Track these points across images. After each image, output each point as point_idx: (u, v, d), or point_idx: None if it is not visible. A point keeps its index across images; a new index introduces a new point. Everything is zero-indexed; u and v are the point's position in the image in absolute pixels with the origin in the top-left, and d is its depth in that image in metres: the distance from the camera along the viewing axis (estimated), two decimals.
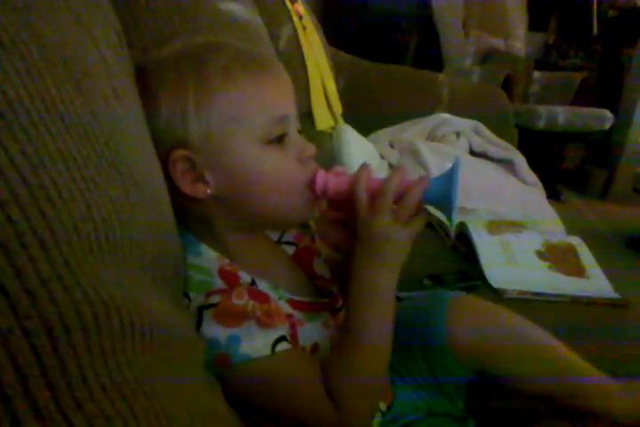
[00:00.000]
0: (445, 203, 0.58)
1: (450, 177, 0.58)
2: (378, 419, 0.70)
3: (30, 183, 0.32)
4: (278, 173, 0.59)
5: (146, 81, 0.57)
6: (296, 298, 0.63)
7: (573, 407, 0.74)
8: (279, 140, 0.59)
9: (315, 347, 0.63)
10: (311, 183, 0.61)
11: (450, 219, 0.59)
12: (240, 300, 0.55)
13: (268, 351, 0.54)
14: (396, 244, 0.59)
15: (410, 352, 0.77)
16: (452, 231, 1.26)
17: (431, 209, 0.64)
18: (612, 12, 3.30)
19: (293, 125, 0.62)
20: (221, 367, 0.53)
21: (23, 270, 0.30)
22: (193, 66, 0.57)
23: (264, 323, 0.55)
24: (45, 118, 0.35)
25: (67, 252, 0.33)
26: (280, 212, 0.62)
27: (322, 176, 0.61)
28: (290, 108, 0.62)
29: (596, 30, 3.40)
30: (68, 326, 0.31)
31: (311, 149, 0.62)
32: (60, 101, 0.38)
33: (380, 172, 1.56)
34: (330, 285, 0.72)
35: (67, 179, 0.35)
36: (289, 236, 0.73)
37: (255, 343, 0.54)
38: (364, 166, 0.61)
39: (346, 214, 0.64)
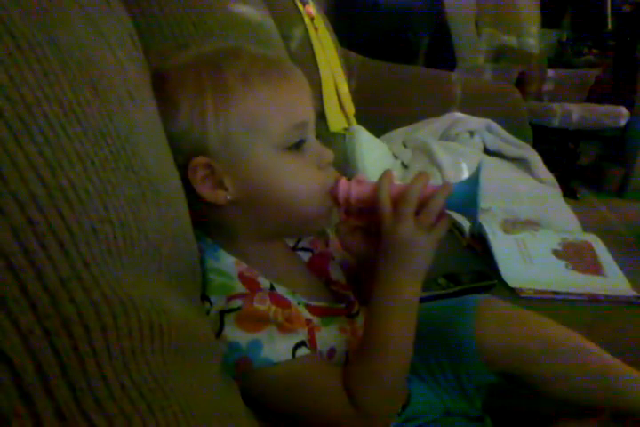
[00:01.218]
0: (469, 209, 0.58)
1: (474, 183, 0.58)
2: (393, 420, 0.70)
3: (49, 185, 0.32)
4: (297, 179, 0.59)
5: (164, 87, 0.57)
6: (312, 303, 0.63)
7: (601, 407, 0.73)
8: (297, 146, 0.59)
9: (331, 351, 0.63)
10: (332, 191, 0.61)
11: (473, 223, 0.59)
12: (262, 304, 0.55)
13: (289, 356, 0.54)
14: (420, 250, 0.59)
15: (435, 354, 0.77)
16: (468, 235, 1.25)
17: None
18: (626, 8, 3.27)
19: (312, 131, 0.62)
20: (243, 371, 0.53)
21: (43, 271, 0.31)
22: (211, 72, 0.57)
23: (285, 328, 0.55)
24: (63, 121, 0.36)
25: (85, 253, 0.33)
26: (299, 218, 0.62)
27: (344, 184, 0.61)
28: (308, 114, 0.61)
29: (610, 26, 3.37)
30: (87, 326, 0.32)
31: (330, 155, 0.62)
32: (77, 104, 0.38)
33: (393, 172, 1.56)
34: (346, 290, 0.71)
35: (84, 180, 0.36)
36: (305, 242, 0.73)
37: (277, 348, 0.54)
38: (388, 173, 0.61)
39: (366, 222, 0.64)
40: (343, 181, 0.61)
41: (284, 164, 0.59)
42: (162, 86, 0.57)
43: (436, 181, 1.45)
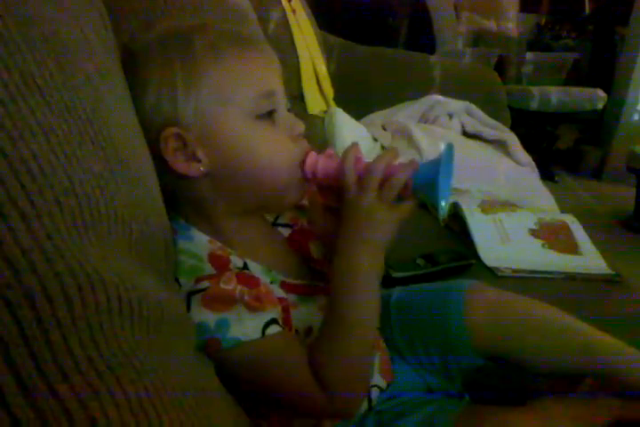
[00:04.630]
0: (431, 191, 0.57)
1: (437, 164, 0.57)
2: (376, 395, 0.70)
3: (9, 156, 0.32)
4: (269, 148, 0.59)
5: (134, 64, 0.57)
6: (290, 281, 0.63)
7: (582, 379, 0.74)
8: (269, 115, 0.59)
9: (309, 330, 0.63)
10: (301, 164, 0.61)
11: (437, 207, 0.58)
12: (228, 284, 0.55)
13: (258, 335, 0.54)
14: (380, 224, 0.58)
15: (421, 337, 0.77)
16: (442, 218, 1.24)
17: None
18: None
19: (282, 102, 0.62)
20: (212, 352, 0.53)
21: (3, 240, 0.30)
22: (179, 45, 0.57)
23: (253, 307, 0.54)
24: (24, 92, 0.35)
25: (48, 224, 0.33)
26: (270, 190, 0.61)
27: (312, 157, 0.61)
28: (276, 84, 0.61)
29: (588, 10, 3.38)
30: (51, 297, 0.31)
31: (301, 125, 0.62)
32: (40, 76, 0.37)
33: (372, 154, 1.56)
34: (326, 268, 0.70)
35: (47, 153, 0.35)
36: (284, 218, 0.72)
37: (245, 327, 0.54)
38: (354, 145, 0.60)
39: (335, 200, 0.64)
40: (312, 153, 0.61)
41: (255, 132, 0.58)
42: (130, 63, 0.57)
43: None
